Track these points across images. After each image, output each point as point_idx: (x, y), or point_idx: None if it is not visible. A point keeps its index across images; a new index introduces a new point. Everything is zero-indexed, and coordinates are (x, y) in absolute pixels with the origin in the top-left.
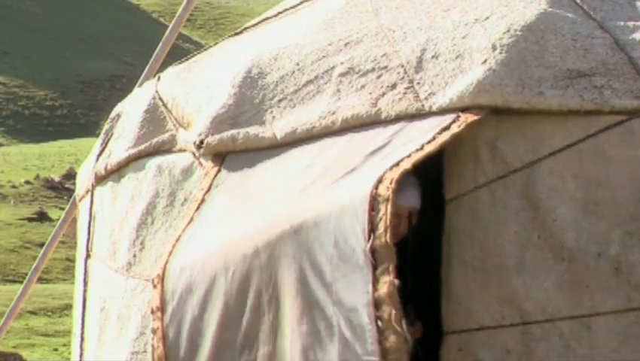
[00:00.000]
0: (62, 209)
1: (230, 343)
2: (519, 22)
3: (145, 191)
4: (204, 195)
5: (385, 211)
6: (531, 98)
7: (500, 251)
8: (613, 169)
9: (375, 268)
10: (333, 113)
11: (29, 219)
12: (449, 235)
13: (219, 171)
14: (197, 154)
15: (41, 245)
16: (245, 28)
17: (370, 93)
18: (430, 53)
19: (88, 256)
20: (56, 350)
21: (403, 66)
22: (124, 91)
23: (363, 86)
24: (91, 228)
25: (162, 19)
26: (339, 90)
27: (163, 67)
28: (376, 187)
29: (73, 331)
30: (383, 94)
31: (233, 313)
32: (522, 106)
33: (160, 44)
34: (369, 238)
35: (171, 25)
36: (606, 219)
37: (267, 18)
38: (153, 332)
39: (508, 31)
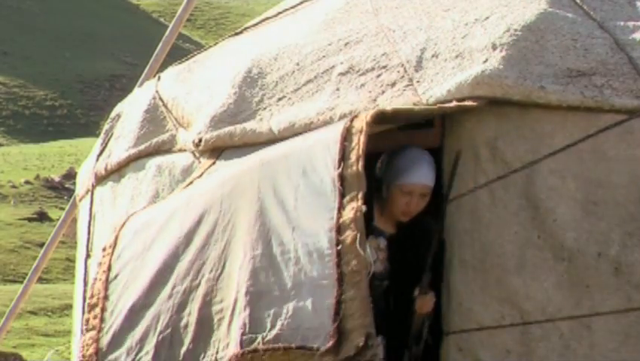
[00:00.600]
0: (62, 209)
1: (173, 270)
2: (519, 22)
3: (145, 191)
4: (194, 179)
5: (357, 141)
6: (532, 92)
7: (500, 251)
8: (613, 169)
9: (343, 196)
10: (332, 110)
11: (29, 219)
12: (449, 235)
13: (214, 163)
14: (196, 152)
15: (41, 245)
16: (245, 28)
17: (370, 92)
18: (430, 52)
19: (88, 256)
20: (56, 350)
21: (402, 65)
22: (124, 91)
23: (362, 85)
24: (91, 228)
25: (162, 19)
26: (338, 89)
27: (163, 67)
28: (351, 121)
29: (73, 331)
30: (383, 92)
31: (183, 242)
32: (522, 99)
33: (160, 44)
34: (339, 167)
35: (171, 25)
36: (606, 219)
37: (267, 18)
38: (98, 265)
39: (508, 30)
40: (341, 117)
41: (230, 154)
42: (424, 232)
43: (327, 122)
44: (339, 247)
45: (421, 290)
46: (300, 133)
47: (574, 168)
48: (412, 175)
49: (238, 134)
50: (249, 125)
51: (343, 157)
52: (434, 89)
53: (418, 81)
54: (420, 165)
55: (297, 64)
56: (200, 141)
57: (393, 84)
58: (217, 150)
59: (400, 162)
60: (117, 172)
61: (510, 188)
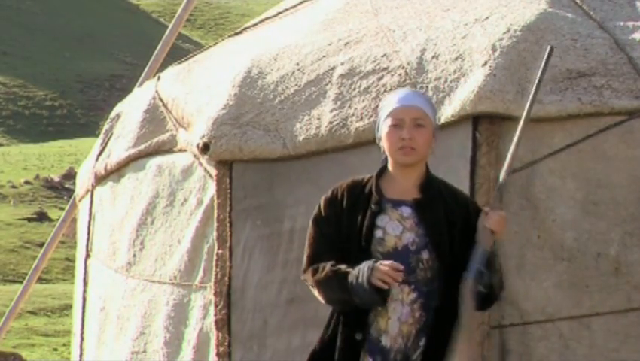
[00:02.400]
0: (62, 209)
1: None
2: (518, 22)
3: (145, 191)
4: (230, 215)
5: None
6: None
7: (500, 251)
8: (613, 169)
9: None
10: (343, 126)
11: (29, 219)
12: None
13: (230, 179)
14: (201, 158)
15: (41, 245)
16: (245, 28)
17: (374, 99)
18: (430, 53)
19: (88, 256)
20: (56, 350)
21: (404, 67)
22: (124, 91)
23: (366, 90)
24: (91, 228)
25: (162, 19)
26: (341, 93)
27: (163, 67)
28: None
29: (73, 331)
30: None
31: None
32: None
33: (160, 44)
34: None
35: (171, 25)
36: (606, 219)
37: (267, 18)
38: None
39: (508, 31)
40: (355, 136)
41: (242, 169)
42: (454, 195)
43: (341, 141)
44: None
45: (492, 207)
46: (314, 151)
47: (574, 168)
48: (397, 101)
49: (248, 148)
50: (258, 136)
51: None
52: (442, 103)
53: (421, 87)
54: (405, 92)
55: (297, 64)
56: (206, 147)
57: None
58: (225, 163)
59: (384, 103)
60: (117, 172)
61: (510, 188)
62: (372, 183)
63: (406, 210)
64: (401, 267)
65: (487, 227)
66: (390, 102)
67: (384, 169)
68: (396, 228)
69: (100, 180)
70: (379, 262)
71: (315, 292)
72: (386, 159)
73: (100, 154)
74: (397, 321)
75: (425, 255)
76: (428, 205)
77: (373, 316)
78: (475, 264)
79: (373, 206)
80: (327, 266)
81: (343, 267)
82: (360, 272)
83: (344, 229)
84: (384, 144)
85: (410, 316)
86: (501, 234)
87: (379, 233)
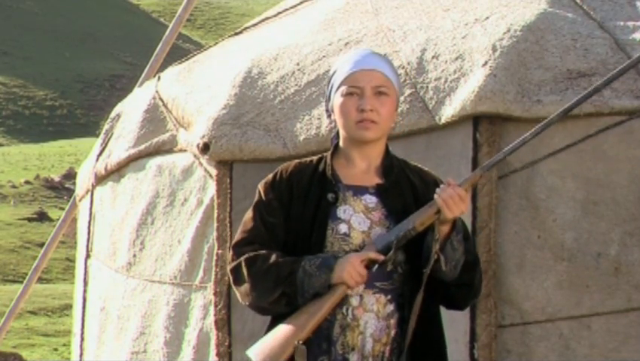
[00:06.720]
0: (62, 209)
1: None
2: (519, 22)
3: (145, 191)
4: (230, 215)
5: None
6: (531, 107)
7: (500, 251)
8: (613, 169)
9: None
10: None
11: (29, 219)
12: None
13: (230, 179)
14: (201, 158)
15: (41, 245)
16: (245, 28)
17: None
18: (430, 53)
19: (88, 256)
20: (56, 350)
21: (404, 67)
22: (124, 91)
23: None
24: (91, 228)
25: (162, 19)
26: None
27: (163, 67)
28: None
29: (73, 331)
30: None
31: None
32: (523, 114)
33: (160, 44)
34: None
35: (171, 25)
36: (606, 219)
37: (267, 18)
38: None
39: (508, 31)
40: None
41: (242, 169)
42: (420, 176)
43: None
44: None
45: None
46: (315, 151)
47: (574, 168)
48: (354, 64)
49: (248, 148)
50: (258, 136)
51: None
52: (443, 104)
53: (421, 87)
54: (362, 53)
55: (297, 64)
56: (206, 147)
57: None
58: (225, 163)
59: (337, 66)
60: (117, 172)
61: (510, 188)
62: (325, 166)
63: (371, 200)
64: (381, 257)
65: (435, 201)
66: (345, 65)
67: (336, 148)
68: (363, 222)
69: (100, 180)
70: (351, 254)
71: (243, 287)
72: (337, 136)
73: (100, 154)
74: (370, 338)
75: (400, 256)
76: (394, 192)
77: (339, 328)
78: (391, 235)
79: (329, 194)
80: (273, 256)
81: (291, 258)
82: (318, 263)
83: (292, 222)
84: (337, 117)
85: (385, 333)
86: (449, 215)
87: (342, 228)
